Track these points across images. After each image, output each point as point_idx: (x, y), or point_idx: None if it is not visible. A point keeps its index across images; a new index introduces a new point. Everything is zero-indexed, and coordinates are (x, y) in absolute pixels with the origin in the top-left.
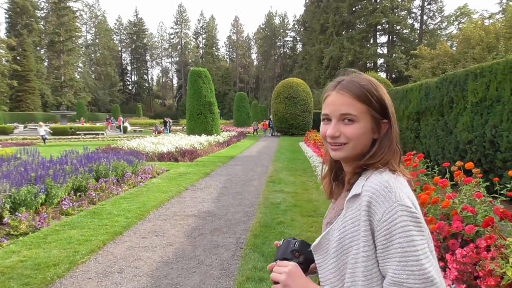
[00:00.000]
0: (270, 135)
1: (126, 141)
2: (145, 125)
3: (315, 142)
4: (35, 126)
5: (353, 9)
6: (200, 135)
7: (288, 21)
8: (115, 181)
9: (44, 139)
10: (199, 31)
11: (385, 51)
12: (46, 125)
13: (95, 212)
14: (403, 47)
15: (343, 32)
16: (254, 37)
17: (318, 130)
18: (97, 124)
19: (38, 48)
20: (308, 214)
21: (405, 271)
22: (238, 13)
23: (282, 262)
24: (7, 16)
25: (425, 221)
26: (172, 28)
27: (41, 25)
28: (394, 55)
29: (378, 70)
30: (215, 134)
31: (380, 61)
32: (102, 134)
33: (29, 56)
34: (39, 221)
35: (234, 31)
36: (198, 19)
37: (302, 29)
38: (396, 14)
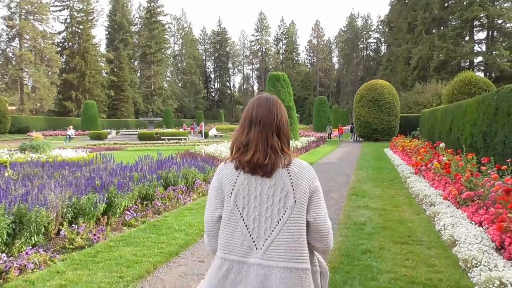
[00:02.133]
0: (351, 140)
1: (203, 147)
2: (226, 131)
3: (403, 148)
4: (126, 132)
5: (446, 4)
6: None
7: (371, 22)
8: (184, 189)
9: (70, 138)
10: (280, 37)
11: (484, 48)
12: (135, 131)
13: (156, 225)
14: (505, 43)
15: (434, 30)
16: (335, 41)
17: (406, 135)
18: (180, 130)
19: (132, 60)
20: (401, 240)
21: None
22: (319, 17)
23: None
24: (106, 32)
25: None
26: (253, 35)
27: (135, 39)
28: (494, 52)
29: (475, 69)
30: (293, 140)
31: (478, 59)
32: (185, 139)
33: (124, 68)
34: (95, 234)
35: (315, 35)
36: (279, 25)
37: (387, 30)
38: (498, 7)
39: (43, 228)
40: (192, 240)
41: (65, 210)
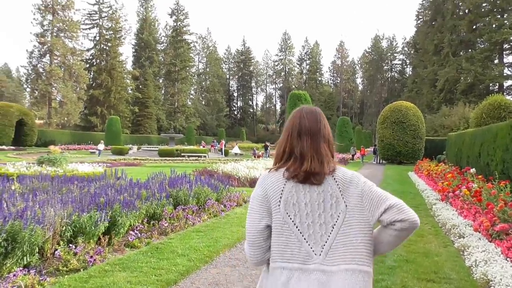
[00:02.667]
0: (374, 162)
1: (221, 165)
2: (247, 149)
3: (428, 173)
4: (147, 148)
5: (474, 26)
6: None
7: (396, 43)
8: (195, 209)
9: (100, 152)
10: (303, 57)
11: None
12: (156, 147)
13: (158, 248)
14: None
15: (461, 52)
16: (359, 61)
17: (431, 159)
18: (200, 147)
19: (157, 77)
20: (427, 277)
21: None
22: (343, 37)
23: None
24: (133, 50)
25: None
26: (277, 55)
27: (161, 57)
28: None
29: (504, 93)
30: None
31: (508, 83)
32: (205, 156)
33: (149, 85)
34: (92, 256)
35: (339, 56)
36: (303, 46)
37: (412, 51)
38: None
39: (37, 248)
40: (194, 267)
41: (64, 228)
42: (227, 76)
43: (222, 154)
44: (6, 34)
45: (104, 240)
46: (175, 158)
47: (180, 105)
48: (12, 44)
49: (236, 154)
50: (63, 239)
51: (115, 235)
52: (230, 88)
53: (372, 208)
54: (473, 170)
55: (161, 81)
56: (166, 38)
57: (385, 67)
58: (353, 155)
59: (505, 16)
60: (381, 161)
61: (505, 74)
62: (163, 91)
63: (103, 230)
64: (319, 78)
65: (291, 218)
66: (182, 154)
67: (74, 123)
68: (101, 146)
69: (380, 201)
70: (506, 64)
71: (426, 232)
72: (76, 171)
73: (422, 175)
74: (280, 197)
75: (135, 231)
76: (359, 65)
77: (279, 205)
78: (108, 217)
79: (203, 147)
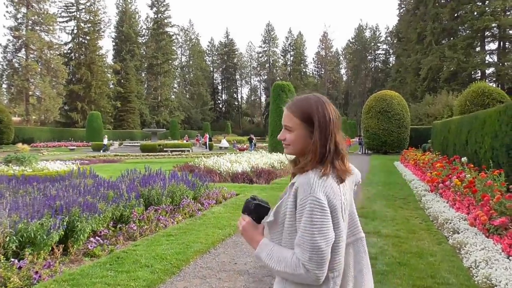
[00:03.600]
0: (360, 152)
1: (203, 159)
2: (233, 142)
3: (415, 162)
4: (130, 143)
5: (456, 14)
6: (282, 153)
7: (379, 33)
8: (169, 209)
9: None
10: (287, 48)
11: (495, 59)
12: (138, 142)
13: (120, 257)
14: None
15: (444, 41)
16: (343, 52)
17: (417, 148)
18: (184, 141)
19: (139, 71)
20: (423, 284)
21: (303, 237)
22: (326, 28)
23: (243, 216)
24: (114, 43)
25: None
26: (261, 47)
27: (142, 50)
28: (506, 63)
29: (486, 80)
30: None
31: (490, 70)
32: (188, 150)
33: (131, 79)
34: (37, 272)
35: (323, 46)
36: (286, 37)
37: (395, 41)
38: (510, 17)
39: None
40: (157, 280)
41: (7, 239)
42: (211, 69)
43: (206, 148)
44: None
45: (59, 251)
46: (158, 153)
47: (163, 99)
48: None
49: (221, 148)
50: (8, 251)
51: (73, 243)
52: (214, 81)
53: None
54: (464, 159)
55: (143, 75)
56: (147, 31)
57: (369, 57)
58: None
59: (486, 3)
60: (366, 151)
61: (487, 62)
62: (145, 85)
63: (58, 239)
64: (304, 70)
65: (344, 223)
66: (165, 149)
67: (53, 119)
68: (105, 141)
69: None
70: (487, 52)
71: (418, 227)
72: (47, 169)
73: (408, 164)
74: (341, 203)
75: (98, 237)
76: (343, 56)
77: (343, 213)
78: (65, 223)
79: (187, 141)
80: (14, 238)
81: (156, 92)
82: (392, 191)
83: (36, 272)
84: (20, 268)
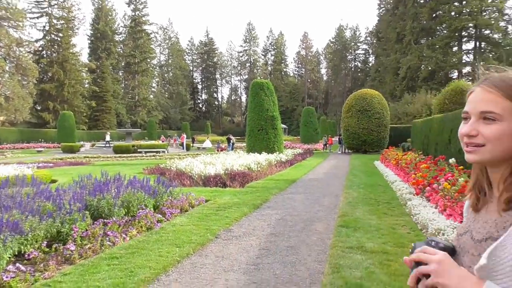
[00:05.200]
0: (339, 152)
1: (176, 161)
2: (212, 142)
3: (397, 162)
4: (103, 144)
5: (434, 14)
6: (260, 153)
7: (359, 33)
8: (122, 221)
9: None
10: (268, 48)
11: (472, 58)
12: (111, 143)
13: None
14: (492, 53)
15: (422, 40)
16: (324, 52)
17: (397, 147)
18: (160, 142)
19: (115, 70)
20: None
21: None
22: (307, 28)
23: (428, 249)
24: (89, 41)
25: None
26: (241, 46)
27: (119, 48)
28: (482, 62)
29: (464, 79)
30: (277, 152)
31: (466, 69)
32: (163, 151)
33: (107, 78)
34: None
35: (303, 46)
36: (267, 36)
37: (375, 41)
38: (486, 17)
39: None
40: None
41: None
42: (191, 68)
43: (183, 148)
44: None
45: None
46: (132, 154)
47: (141, 99)
48: None
49: (200, 148)
50: None
51: None
52: (194, 80)
53: None
54: (452, 160)
55: (120, 73)
56: (124, 29)
57: (349, 57)
58: (325, 144)
59: (463, 4)
60: (346, 151)
61: (464, 61)
62: (122, 84)
63: None
64: (284, 69)
65: None
66: (139, 150)
67: (23, 120)
68: (108, 137)
69: None
70: (464, 51)
71: (406, 238)
72: None
73: (389, 164)
74: None
75: (25, 260)
76: (324, 55)
77: None
78: None
79: (163, 141)
80: None
81: (133, 91)
82: (374, 194)
83: None
84: None
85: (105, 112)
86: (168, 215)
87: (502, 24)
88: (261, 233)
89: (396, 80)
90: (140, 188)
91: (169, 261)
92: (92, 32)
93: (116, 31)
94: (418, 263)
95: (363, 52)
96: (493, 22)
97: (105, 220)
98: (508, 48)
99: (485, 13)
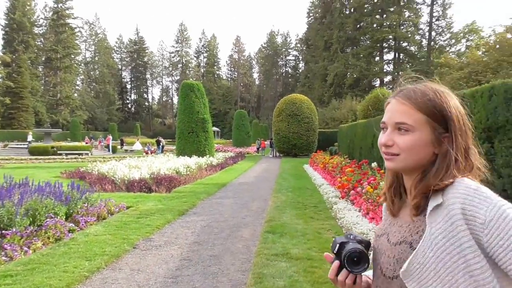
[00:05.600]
0: (271, 156)
1: (99, 164)
2: (143, 144)
3: (324, 166)
4: (17, 145)
5: (358, 25)
6: (190, 157)
7: (290, 40)
8: (26, 232)
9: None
10: (201, 49)
11: (392, 68)
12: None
13: None
14: (409, 64)
15: (348, 49)
16: (256, 56)
17: (325, 150)
18: (83, 144)
19: (34, 65)
20: None
21: None
22: (240, 32)
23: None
24: (3, 32)
25: None
26: (173, 46)
27: (39, 42)
28: (401, 72)
29: (385, 87)
30: (208, 155)
31: (387, 78)
32: (87, 154)
33: (24, 73)
34: None
35: (236, 50)
36: (200, 38)
37: (304, 48)
38: (404, 30)
39: None
40: None
41: None
42: (119, 67)
43: (109, 151)
44: None
45: None
46: (50, 156)
47: (63, 97)
48: None
49: (126, 151)
50: None
51: None
52: (123, 79)
53: None
54: (374, 164)
55: (40, 69)
56: (45, 21)
57: (280, 62)
58: (258, 148)
59: (384, 17)
60: (277, 154)
61: (385, 70)
62: (42, 81)
63: None
64: (217, 72)
65: None
66: (59, 151)
67: None
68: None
69: None
70: (385, 61)
71: (331, 243)
72: None
73: (317, 168)
74: None
75: None
76: (256, 60)
77: None
78: None
79: (87, 143)
80: None
81: (55, 88)
82: (302, 197)
83: None
84: None
85: (21, 110)
86: (82, 224)
87: (417, 37)
88: (184, 242)
89: (324, 86)
90: (49, 194)
91: (75, 277)
92: (7, 22)
93: (36, 23)
94: (338, 256)
95: (294, 58)
96: (409, 35)
97: (3, 232)
98: (423, 60)
99: (403, 27)
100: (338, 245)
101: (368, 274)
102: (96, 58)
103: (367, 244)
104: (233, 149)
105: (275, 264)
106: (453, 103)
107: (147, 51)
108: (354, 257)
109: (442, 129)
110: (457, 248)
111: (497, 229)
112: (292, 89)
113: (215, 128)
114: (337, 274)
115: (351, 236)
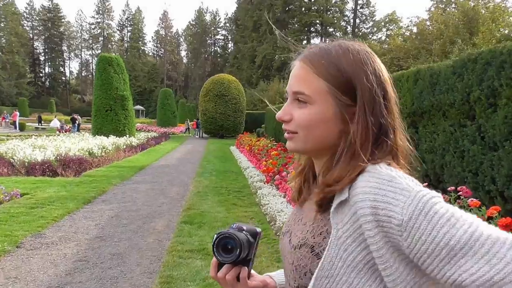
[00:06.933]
0: (197, 136)
1: None
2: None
3: (250, 148)
4: None
5: (287, 8)
6: (108, 136)
7: (219, 18)
8: None
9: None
10: (124, 23)
11: None
12: None
13: None
14: None
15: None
16: (184, 34)
17: (252, 132)
18: None
19: None
20: None
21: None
22: (167, 7)
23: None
24: None
25: None
26: (93, 17)
27: None
28: None
29: None
30: (128, 135)
31: None
32: None
33: None
34: None
35: (163, 26)
36: (123, 10)
37: (234, 27)
38: (331, 16)
39: None
40: None
41: None
42: (31, 36)
43: (16, 128)
44: None
45: None
46: None
47: None
48: None
49: (37, 128)
50: None
51: None
52: (35, 50)
53: None
54: None
55: None
56: None
57: (209, 41)
58: (187, 128)
59: (312, 1)
60: (203, 135)
61: None
62: None
63: None
64: (142, 48)
65: None
66: None
67: None
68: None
69: None
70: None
71: None
72: None
73: (244, 150)
74: None
75: None
76: (184, 37)
77: None
78: None
79: None
80: None
81: None
82: (226, 181)
83: None
84: None
85: None
86: None
87: (343, 23)
88: (84, 237)
89: (252, 67)
90: None
91: None
92: None
93: None
94: (218, 252)
95: (223, 37)
96: (335, 21)
97: None
98: None
99: (329, 12)
100: (215, 235)
101: (275, 274)
102: (2, 25)
103: (252, 233)
104: (158, 129)
105: (189, 263)
106: (372, 67)
107: (63, 20)
108: (224, 243)
109: (349, 100)
110: (370, 256)
111: (418, 230)
112: (221, 69)
113: (138, 107)
114: (217, 272)
115: (236, 226)
